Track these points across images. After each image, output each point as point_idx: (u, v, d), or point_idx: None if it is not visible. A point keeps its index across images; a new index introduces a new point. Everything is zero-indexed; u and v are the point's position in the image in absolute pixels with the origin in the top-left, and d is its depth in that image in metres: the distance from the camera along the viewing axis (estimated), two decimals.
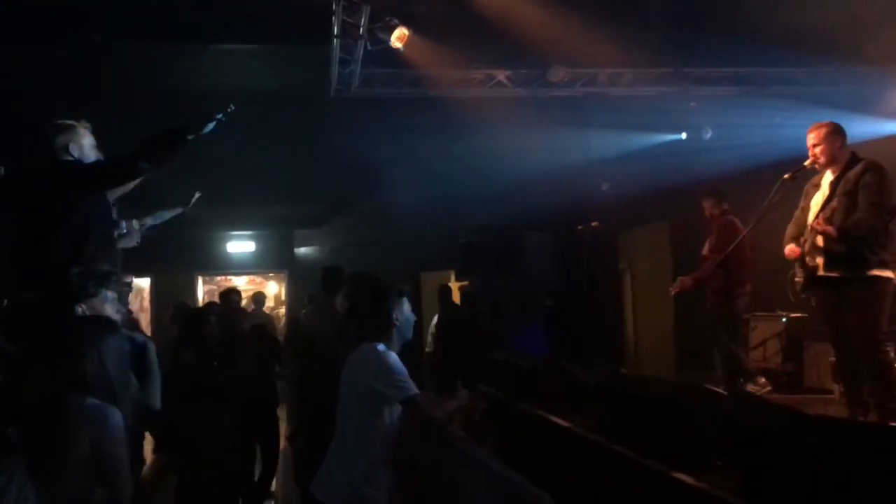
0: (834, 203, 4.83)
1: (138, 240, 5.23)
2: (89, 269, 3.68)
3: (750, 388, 6.65)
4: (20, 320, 3.57)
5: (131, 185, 4.45)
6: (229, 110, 3.99)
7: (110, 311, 3.65)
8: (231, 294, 7.21)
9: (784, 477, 3.34)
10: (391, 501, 3.45)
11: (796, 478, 3.27)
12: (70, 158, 4.01)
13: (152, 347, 4.70)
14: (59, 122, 4.08)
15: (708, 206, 7.14)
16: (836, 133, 4.93)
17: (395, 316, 3.56)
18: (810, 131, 4.99)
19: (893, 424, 4.46)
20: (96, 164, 4.04)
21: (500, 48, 8.53)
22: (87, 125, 4.18)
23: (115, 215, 4.72)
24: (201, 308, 6.09)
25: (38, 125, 4.15)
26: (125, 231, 5.03)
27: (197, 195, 6.08)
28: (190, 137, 3.90)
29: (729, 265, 6.27)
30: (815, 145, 4.94)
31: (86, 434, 2.84)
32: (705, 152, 9.81)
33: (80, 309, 3.49)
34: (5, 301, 3.82)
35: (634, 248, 11.40)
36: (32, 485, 2.24)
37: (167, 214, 5.79)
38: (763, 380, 6.77)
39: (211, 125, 3.96)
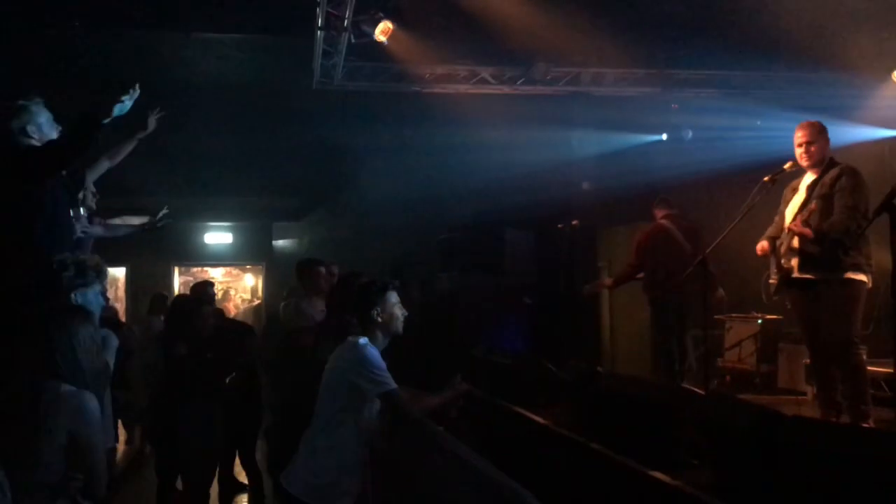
0: (811, 205, 4.88)
1: (82, 231, 4.99)
2: (83, 258, 3.67)
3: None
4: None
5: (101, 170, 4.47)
6: (134, 91, 3.98)
7: (96, 302, 3.63)
8: (204, 286, 7.02)
9: (758, 476, 3.37)
10: (368, 496, 3.45)
11: (771, 478, 3.30)
12: (31, 140, 3.97)
13: (114, 342, 4.57)
14: (8, 104, 4.03)
15: (657, 213, 7.41)
16: (825, 132, 4.99)
17: (376, 311, 3.54)
18: (801, 129, 4.99)
19: (866, 426, 4.52)
20: (28, 152, 3.98)
21: (484, 45, 8.54)
22: (40, 101, 4.13)
23: (91, 203, 4.67)
24: (196, 299, 6.00)
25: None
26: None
27: (164, 211, 5.41)
28: (104, 122, 3.88)
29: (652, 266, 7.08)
30: (809, 143, 4.94)
31: (62, 421, 2.83)
32: (686, 154, 9.87)
33: (73, 297, 3.48)
34: None
35: (614, 246, 11.43)
36: (7, 473, 2.23)
37: (133, 220, 5.36)
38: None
39: (122, 107, 3.94)
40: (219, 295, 14.91)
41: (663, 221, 7.28)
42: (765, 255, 5.14)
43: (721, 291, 6.91)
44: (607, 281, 7.96)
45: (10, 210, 3.80)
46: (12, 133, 3.97)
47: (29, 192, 3.81)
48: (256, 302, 14.68)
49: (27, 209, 3.81)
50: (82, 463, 2.89)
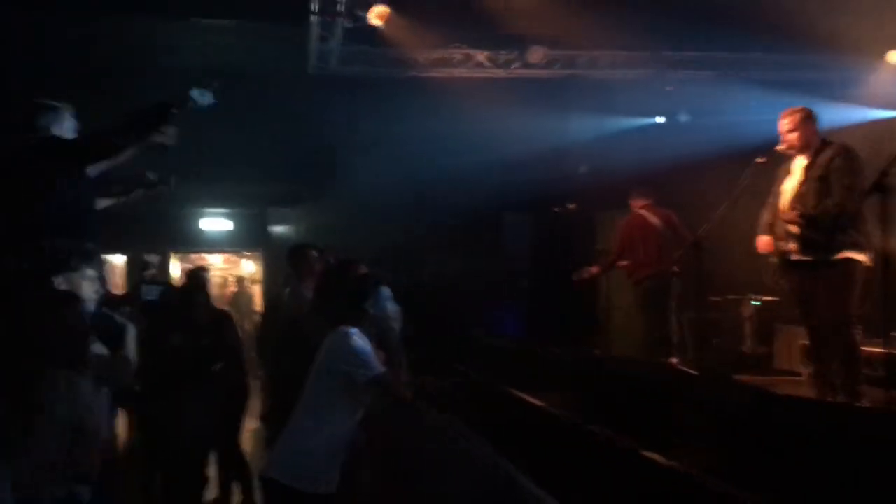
0: (802, 189, 4.91)
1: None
2: (73, 243, 3.67)
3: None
4: None
5: (120, 159, 4.45)
6: (214, 87, 3.97)
7: (88, 288, 3.63)
8: (199, 272, 6.97)
9: (753, 456, 3.40)
10: (364, 477, 3.47)
11: (766, 457, 3.33)
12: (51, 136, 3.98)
13: (132, 331, 4.59)
14: (45, 102, 4.04)
15: (633, 203, 7.89)
16: (809, 118, 4.99)
17: (369, 304, 3.59)
18: (784, 116, 5.04)
19: (860, 405, 4.55)
20: (74, 141, 4.00)
21: (480, 28, 8.51)
22: (71, 108, 4.15)
23: None
24: (191, 288, 5.97)
25: (15, 99, 4.11)
26: None
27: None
28: (174, 111, 3.88)
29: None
30: (789, 131, 4.99)
31: (59, 406, 2.85)
32: (682, 136, 9.86)
33: (58, 282, 3.47)
34: None
35: (611, 229, 11.43)
36: (6, 458, 2.26)
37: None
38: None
39: (202, 101, 3.93)
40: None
41: (641, 211, 7.77)
42: (768, 251, 5.14)
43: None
44: (594, 269, 8.25)
45: (19, 200, 3.79)
46: (38, 128, 3.95)
47: (38, 185, 3.80)
48: (240, 289, 14.65)
49: (35, 201, 3.80)
50: (79, 447, 2.91)
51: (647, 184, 8.04)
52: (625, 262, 7.87)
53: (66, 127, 4.06)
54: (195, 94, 3.91)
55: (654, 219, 7.63)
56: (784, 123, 5.02)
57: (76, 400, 2.92)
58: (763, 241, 5.15)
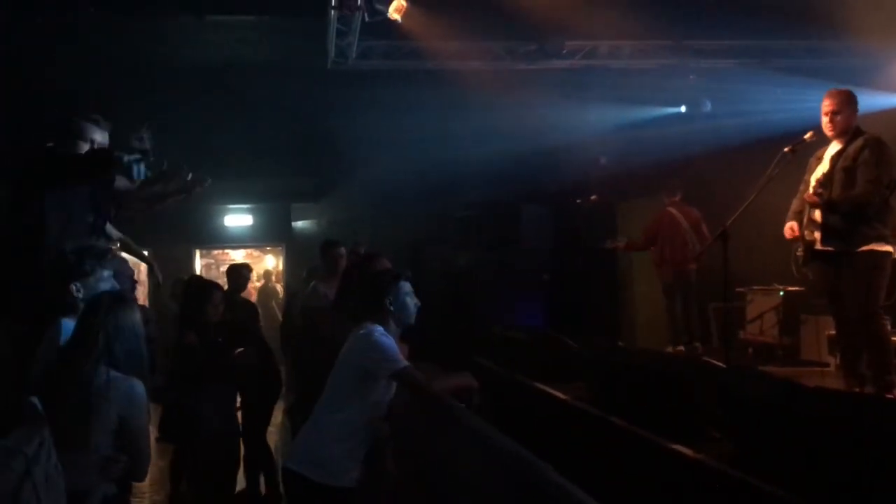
0: (821, 178, 4.84)
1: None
2: (85, 246, 3.69)
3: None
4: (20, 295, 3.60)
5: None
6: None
7: (105, 288, 3.64)
8: (241, 269, 6.90)
9: (780, 448, 3.36)
10: (389, 471, 3.46)
11: (793, 449, 3.28)
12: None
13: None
14: (88, 116, 4.17)
15: (665, 199, 8.29)
16: (852, 100, 4.90)
17: (388, 300, 3.56)
18: (828, 97, 4.91)
19: (890, 396, 4.49)
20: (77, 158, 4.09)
21: (499, 20, 8.46)
22: (105, 124, 4.25)
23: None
24: (205, 285, 5.92)
25: (32, 98, 4.18)
26: None
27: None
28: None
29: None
30: (835, 112, 4.87)
31: (113, 406, 2.92)
32: (704, 125, 9.77)
33: (75, 287, 3.48)
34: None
35: (632, 221, 11.37)
36: (59, 454, 2.30)
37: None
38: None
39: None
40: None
41: (670, 208, 8.15)
42: (794, 236, 5.08)
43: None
44: (622, 243, 8.69)
45: (28, 209, 3.84)
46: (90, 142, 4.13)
47: (49, 193, 3.86)
48: (266, 283, 14.71)
49: (44, 209, 3.85)
50: (129, 446, 2.98)
51: (674, 178, 8.35)
52: (652, 251, 8.31)
53: (96, 140, 4.19)
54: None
55: (680, 217, 8.01)
56: (827, 104, 4.89)
57: (131, 401, 2.97)
58: (788, 227, 5.09)
